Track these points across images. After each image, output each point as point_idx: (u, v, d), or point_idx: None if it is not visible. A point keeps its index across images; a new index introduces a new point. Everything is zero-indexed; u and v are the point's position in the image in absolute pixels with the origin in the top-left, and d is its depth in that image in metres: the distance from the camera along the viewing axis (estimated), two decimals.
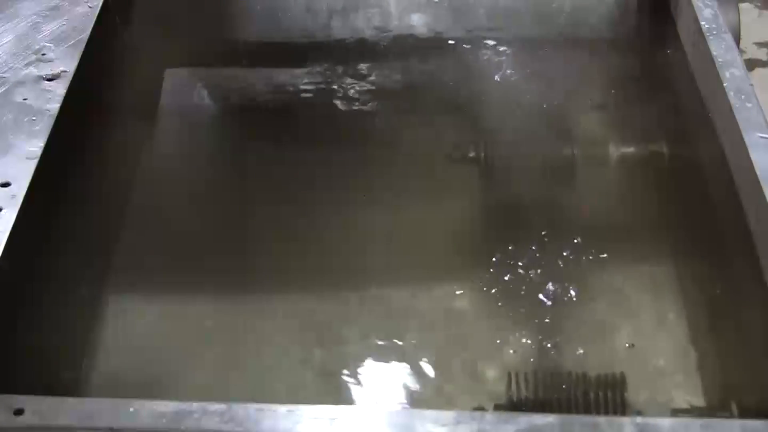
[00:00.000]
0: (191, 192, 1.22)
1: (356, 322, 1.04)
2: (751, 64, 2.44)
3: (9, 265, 0.95)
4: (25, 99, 1.14)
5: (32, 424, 0.81)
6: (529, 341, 1.01)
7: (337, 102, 1.32)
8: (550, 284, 1.07)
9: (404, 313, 1.05)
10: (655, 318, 1.04)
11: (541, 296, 1.06)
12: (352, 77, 1.36)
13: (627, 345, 1.01)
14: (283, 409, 0.82)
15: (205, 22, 1.50)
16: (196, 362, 1.01)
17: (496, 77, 1.38)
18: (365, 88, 1.34)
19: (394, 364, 0.99)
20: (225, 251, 1.13)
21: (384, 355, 1.00)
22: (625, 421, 0.81)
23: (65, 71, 1.18)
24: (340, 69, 1.37)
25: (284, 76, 1.37)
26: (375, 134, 1.30)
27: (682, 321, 1.04)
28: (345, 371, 0.99)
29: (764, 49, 2.54)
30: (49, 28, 1.26)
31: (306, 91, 1.35)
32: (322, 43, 1.46)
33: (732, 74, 1.16)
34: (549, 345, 1.01)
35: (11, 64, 1.20)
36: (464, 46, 1.43)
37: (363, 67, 1.38)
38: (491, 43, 1.43)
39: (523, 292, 1.06)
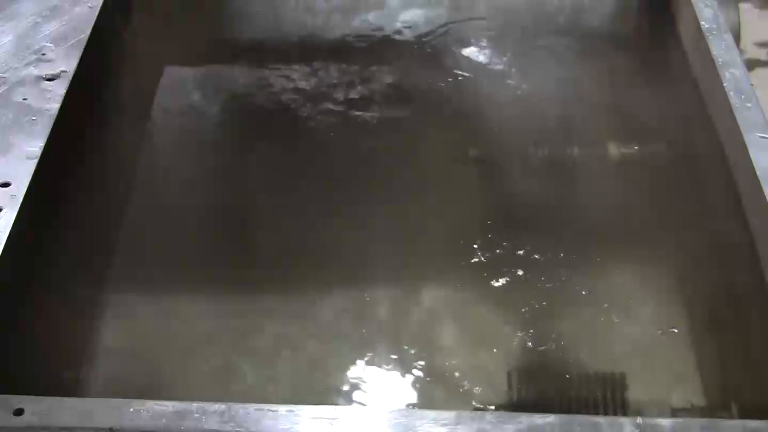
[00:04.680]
0: (191, 191, 1.22)
1: (356, 321, 1.04)
2: (751, 64, 2.44)
3: (9, 265, 0.95)
4: (25, 99, 1.14)
5: (32, 424, 0.81)
6: (523, 341, 1.01)
7: (338, 100, 1.33)
8: (548, 284, 1.07)
9: (404, 318, 1.05)
10: (655, 318, 1.04)
11: (540, 296, 1.06)
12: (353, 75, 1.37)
13: (626, 344, 1.01)
14: (283, 409, 0.82)
15: (205, 22, 1.50)
16: (196, 362, 1.00)
17: (493, 74, 1.38)
18: (366, 86, 1.35)
19: (398, 361, 0.99)
20: (226, 251, 1.13)
21: (386, 352, 1.00)
22: (625, 421, 0.81)
23: (65, 71, 1.18)
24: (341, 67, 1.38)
25: (285, 75, 1.37)
26: (376, 132, 1.30)
27: (682, 321, 1.04)
28: (346, 371, 0.99)
29: (764, 49, 2.53)
30: (49, 28, 1.26)
31: (306, 89, 1.35)
32: (323, 41, 1.46)
33: (732, 74, 1.16)
34: (545, 346, 1.01)
35: (11, 64, 1.20)
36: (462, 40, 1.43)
37: (364, 65, 1.38)
38: (488, 39, 1.43)
39: (521, 289, 1.06)
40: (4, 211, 0.98)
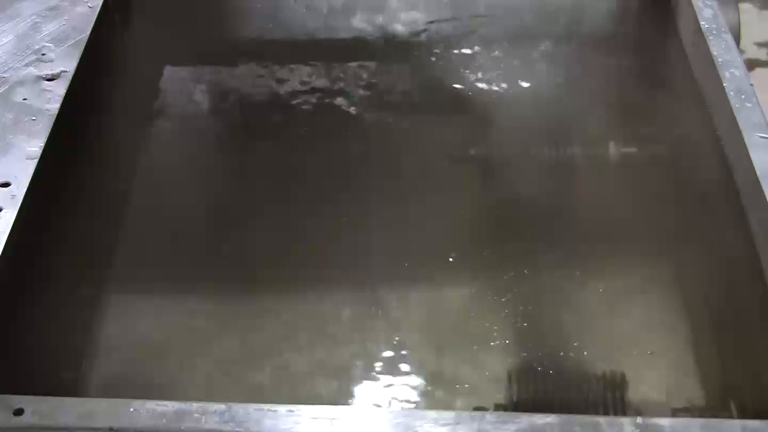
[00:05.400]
0: (191, 192, 1.22)
1: (355, 322, 1.04)
2: (751, 64, 2.45)
3: (9, 265, 0.95)
4: (25, 99, 1.14)
5: (32, 424, 0.81)
6: (521, 341, 1.01)
7: (338, 100, 1.33)
8: (550, 283, 1.07)
9: (403, 317, 1.05)
10: (655, 318, 1.04)
11: (540, 295, 1.06)
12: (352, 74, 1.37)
13: (627, 344, 1.01)
14: (283, 409, 0.82)
15: (205, 22, 1.50)
16: (196, 362, 1.00)
17: (492, 74, 1.38)
18: (365, 86, 1.35)
19: (396, 361, 0.99)
20: (226, 251, 1.13)
21: (385, 351, 1.00)
22: (625, 421, 0.81)
23: (65, 71, 1.18)
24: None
25: (285, 75, 1.37)
26: (376, 131, 1.30)
27: (682, 321, 1.04)
28: (347, 370, 0.99)
29: (764, 49, 2.54)
30: (49, 28, 1.26)
31: (306, 89, 1.35)
32: (323, 41, 1.46)
33: (732, 74, 1.16)
34: (546, 343, 1.01)
35: (11, 64, 1.20)
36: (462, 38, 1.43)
37: (364, 65, 1.38)
38: (487, 38, 1.43)
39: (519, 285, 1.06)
40: (4, 211, 0.98)
